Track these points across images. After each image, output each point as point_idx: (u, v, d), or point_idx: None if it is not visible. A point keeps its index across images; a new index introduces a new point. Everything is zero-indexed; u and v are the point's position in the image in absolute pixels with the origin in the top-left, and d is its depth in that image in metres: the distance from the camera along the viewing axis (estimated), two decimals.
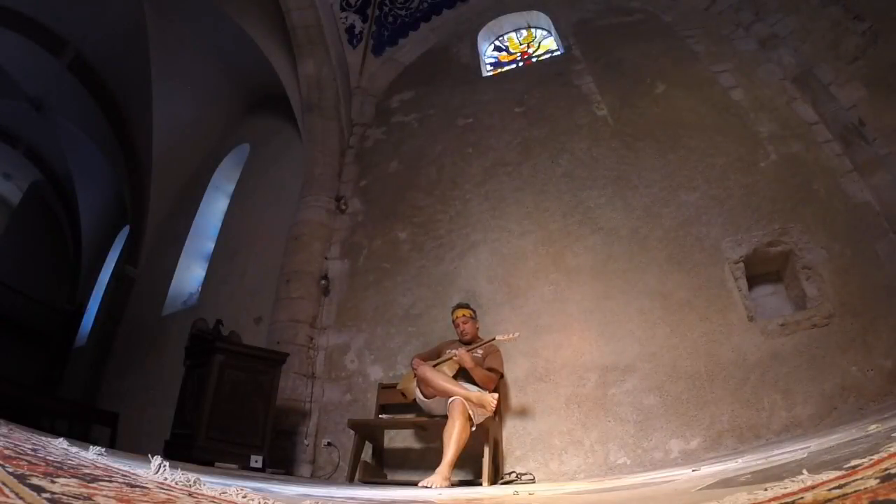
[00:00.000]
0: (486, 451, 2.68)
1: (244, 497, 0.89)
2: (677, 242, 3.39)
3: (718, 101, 3.94)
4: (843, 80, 3.54)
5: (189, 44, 6.38)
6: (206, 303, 5.49)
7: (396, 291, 4.00)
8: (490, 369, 2.92)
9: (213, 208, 6.95)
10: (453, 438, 2.43)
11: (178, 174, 7.31)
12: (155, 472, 1.03)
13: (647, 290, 3.27)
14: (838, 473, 0.71)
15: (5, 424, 1.33)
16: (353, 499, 1.41)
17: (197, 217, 6.81)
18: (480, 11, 6.08)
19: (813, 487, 0.66)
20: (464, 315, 3.15)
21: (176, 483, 0.95)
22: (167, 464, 1.06)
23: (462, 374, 2.92)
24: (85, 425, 4.78)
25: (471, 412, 2.55)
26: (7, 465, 0.69)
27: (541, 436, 3.06)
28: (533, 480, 2.82)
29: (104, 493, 0.66)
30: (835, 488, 0.62)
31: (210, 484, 1.02)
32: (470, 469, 3.01)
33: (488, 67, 5.74)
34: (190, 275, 6.51)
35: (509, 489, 2.03)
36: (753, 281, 3.23)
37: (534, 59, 5.62)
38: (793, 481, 0.72)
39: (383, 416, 3.32)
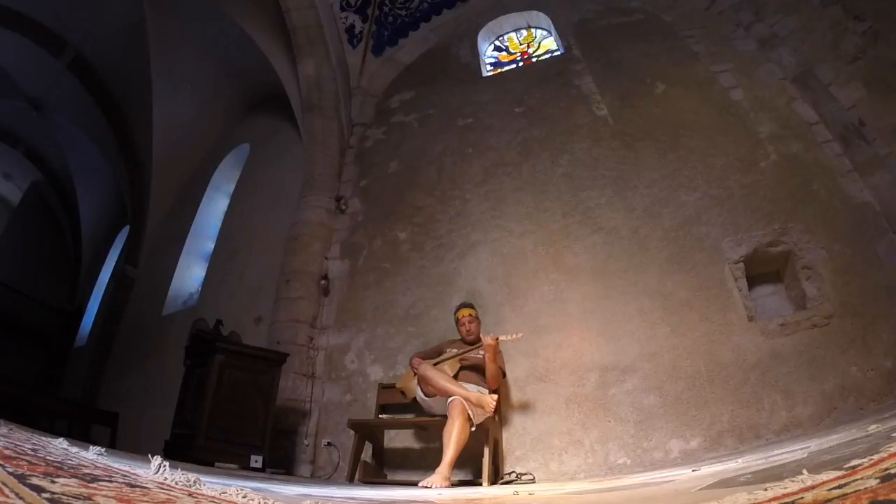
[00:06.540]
0: (486, 451, 2.68)
1: (244, 497, 0.89)
2: (677, 242, 3.39)
3: (718, 101, 3.94)
4: (843, 80, 3.54)
5: (189, 44, 6.37)
6: (206, 303, 5.49)
7: (396, 291, 4.00)
8: None
9: (213, 208, 6.94)
10: (453, 438, 2.43)
11: (178, 174, 7.30)
12: (155, 472, 1.03)
13: (647, 290, 3.27)
14: (838, 473, 0.71)
15: (5, 424, 1.33)
16: (353, 499, 1.41)
17: (197, 217, 6.81)
18: (480, 11, 6.07)
19: (813, 487, 0.66)
20: (469, 315, 3.16)
21: (176, 483, 0.95)
22: (167, 464, 1.06)
23: (462, 374, 2.93)
24: (85, 425, 4.77)
25: (470, 412, 2.55)
26: (7, 465, 0.69)
27: (541, 436, 3.06)
28: (533, 480, 2.82)
29: (104, 493, 0.66)
30: (835, 488, 0.62)
31: (210, 484, 1.02)
32: (470, 469, 3.01)
33: (488, 67, 5.74)
34: (190, 275, 6.51)
35: (509, 489, 2.03)
36: (753, 281, 3.23)
37: (534, 59, 5.62)
38: (793, 481, 0.72)
39: (383, 416, 3.32)
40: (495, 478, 2.78)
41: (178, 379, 3.40)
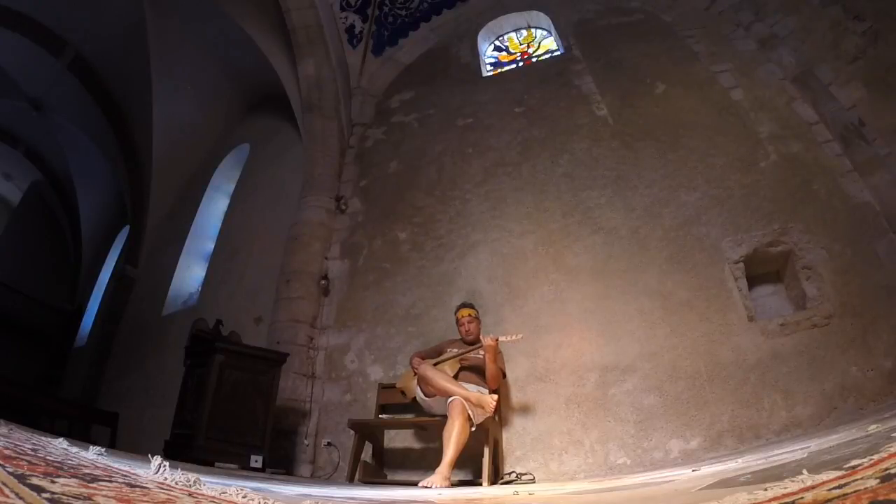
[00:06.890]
0: (486, 451, 2.68)
1: (244, 497, 0.89)
2: (677, 242, 3.39)
3: (718, 101, 3.94)
4: (843, 80, 3.54)
5: (189, 44, 6.37)
6: (206, 303, 5.49)
7: (396, 291, 4.00)
8: None
9: (213, 208, 6.95)
10: (453, 438, 2.43)
11: (178, 174, 7.31)
12: (155, 472, 1.03)
13: (647, 290, 3.27)
14: (838, 473, 0.71)
15: (5, 424, 1.33)
16: (353, 499, 1.41)
17: (197, 217, 6.81)
18: (480, 11, 6.08)
19: (813, 487, 0.66)
20: (469, 315, 3.16)
21: (176, 483, 0.95)
22: (167, 464, 1.06)
23: (462, 375, 2.93)
24: (85, 425, 4.77)
25: (470, 412, 2.55)
26: (7, 465, 0.69)
27: (541, 436, 3.06)
28: (533, 480, 2.82)
29: (104, 493, 0.66)
30: (835, 488, 0.62)
31: (210, 484, 1.02)
32: (470, 469, 3.01)
33: (488, 67, 5.74)
34: (190, 275, 6.51)
35: (509, 489, 2.03)
36: (753, 281, 3.23)
37: (534, 59, 5.62)
38: (793, 481, 0.72)
39: (383, 416, 3.32)
40: (495, 478, 2.78)
41: (178, 379, 3.40)
